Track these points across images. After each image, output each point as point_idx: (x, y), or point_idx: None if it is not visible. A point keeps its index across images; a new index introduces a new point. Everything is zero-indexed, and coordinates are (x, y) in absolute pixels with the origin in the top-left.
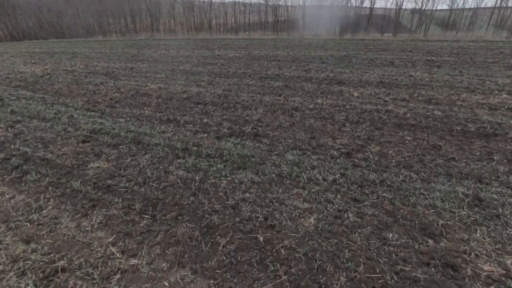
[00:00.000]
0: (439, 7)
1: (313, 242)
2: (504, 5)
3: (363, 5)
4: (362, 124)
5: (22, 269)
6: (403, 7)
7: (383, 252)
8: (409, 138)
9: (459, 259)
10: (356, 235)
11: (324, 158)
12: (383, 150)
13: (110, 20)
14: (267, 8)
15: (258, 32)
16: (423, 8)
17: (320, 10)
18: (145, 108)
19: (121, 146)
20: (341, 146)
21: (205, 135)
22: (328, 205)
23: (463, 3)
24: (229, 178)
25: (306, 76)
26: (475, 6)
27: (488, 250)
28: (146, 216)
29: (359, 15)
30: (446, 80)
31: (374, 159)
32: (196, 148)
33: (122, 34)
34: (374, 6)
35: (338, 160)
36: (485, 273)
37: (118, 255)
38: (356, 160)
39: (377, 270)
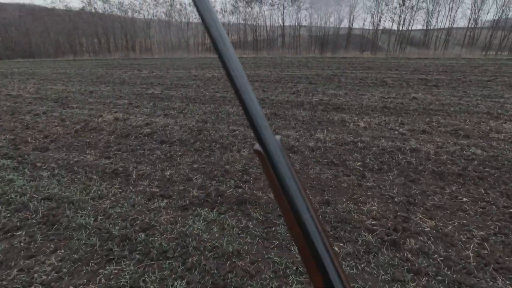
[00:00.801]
0: (414, 27)
1: None
2: (473, 26)
3: (341, 25)
4: (388, 173)
5: None
6: (381, 27)
7: None
8: (465, 199)
9: None
10: None
11: (357, 254)
12: (439, 225)
13: (83, 39)
14: (246, 27)
15: (238, 51)
16: (400, 28)
17: (300, 29)
18: (88, 152)
19: (18, 232)
20: (374, 222)
21: (164, 202)
22: None
23: (436, 24)
24: None
25: (296, 100)
26: (449, 26)
27: None
28: None
29: (337, 34)
30: (458, 103)
31: (438, 251)
32: (144, 235)
33: (95, 53)
34: (352, 27)
35: (381, 258)
36: None
37: None
38: (410, 256)
39: None
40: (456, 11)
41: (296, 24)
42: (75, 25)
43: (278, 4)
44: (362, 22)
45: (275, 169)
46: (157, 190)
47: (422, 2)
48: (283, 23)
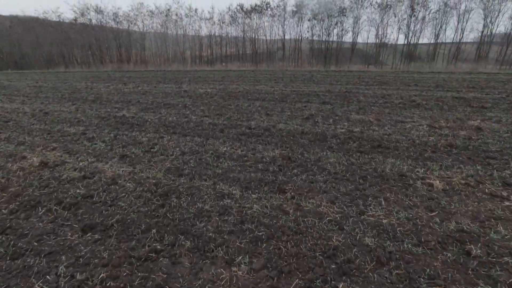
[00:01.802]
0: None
1: None
2: (484, 39)
3: (344, 39)
4: None
5: None
6: (387, 41)
7: None
8: None
9: None
10: None
11: None
12: None
13: (75, 50)
14: (245, 40)
15: (236, 64)
16: (409, 41)
17: (301, 42)
18: None
19: None
20: None
21: None
22: None
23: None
24: None
25: (315, 131)
26: (459, 40)
27: None
28: None
29: (340, 47)
30: None
31: None
32: None
33: (87, 65)
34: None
35: None
36: None
37: None
38: None
39: None
40: (466, 23)
41: (298, 36)
42: (68, 36)
43: (278, 16)
44: (366, 34)
45: None
46: None
47: (435, 12)
48: (284, 35)
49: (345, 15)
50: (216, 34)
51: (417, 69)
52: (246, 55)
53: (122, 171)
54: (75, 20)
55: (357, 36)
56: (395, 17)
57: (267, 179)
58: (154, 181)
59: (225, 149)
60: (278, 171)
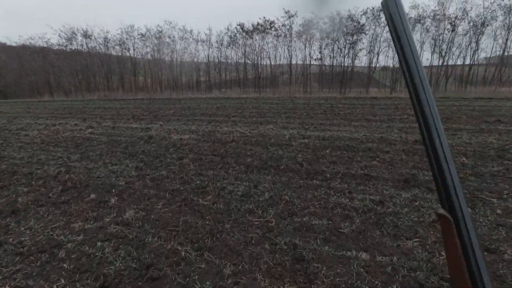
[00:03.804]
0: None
1: None
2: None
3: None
4: None
5: None
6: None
7: None
8: None
9: None
10: None
11: None
12: None
13: (61, 77)
14: (246, 65)
15: (236, 90)
16: (443, 64)
17: (311, 65)
18: None
19: None
20: None
21: None
22: None
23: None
24: None
25: None
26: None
27: None
28: None
29: (356, 71)
30: None
31: None
32: None
33: (73, 93)
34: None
35: None
36: None
37: None
38: None
39: None
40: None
41: (306, 58)
42: (53, 63)
43: (284, 36)
44: (383, 55)
45: (463, 238)
46: None
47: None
48: (290, 57)
49: (364, 33)
50: (214, 56)
51: (469, 94)
52: (248, 80)
53: None
54: (65, 46)
55: (377, 57)
56: (428, 31)
57: None
58: None
59: None
60: None
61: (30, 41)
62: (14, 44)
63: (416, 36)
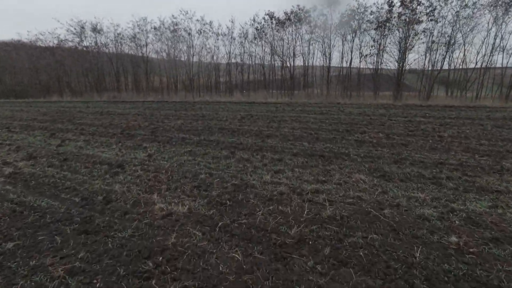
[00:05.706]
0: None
1: None
2: None
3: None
4: None
5: None
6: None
7: None
8: None
9: None
10: None
11: None
12: None
13: (71, 77)
14: (275, 63)
15: (261, 93)
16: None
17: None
18: None
19: None
20: None
21: None
22: None
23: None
24: None
25: None
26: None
27: None
28: None
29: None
30: None
31: None
32: None
33: (80, 93)
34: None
35: None
36: None
37: None
38: None
39: None
40: None
41: (344, 54)
42: (62, 61)
43: (323, 27)
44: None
45: None
46: None
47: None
48: (330, 52)
49: (434, 19)
50: (236, 54)
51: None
52: (276, 81)
53: None
54: (77, 43)
55: (437, 53)
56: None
57: None
58: None
59: None
60: None
61: (40, 37)
62: (25, 40)
63: None
